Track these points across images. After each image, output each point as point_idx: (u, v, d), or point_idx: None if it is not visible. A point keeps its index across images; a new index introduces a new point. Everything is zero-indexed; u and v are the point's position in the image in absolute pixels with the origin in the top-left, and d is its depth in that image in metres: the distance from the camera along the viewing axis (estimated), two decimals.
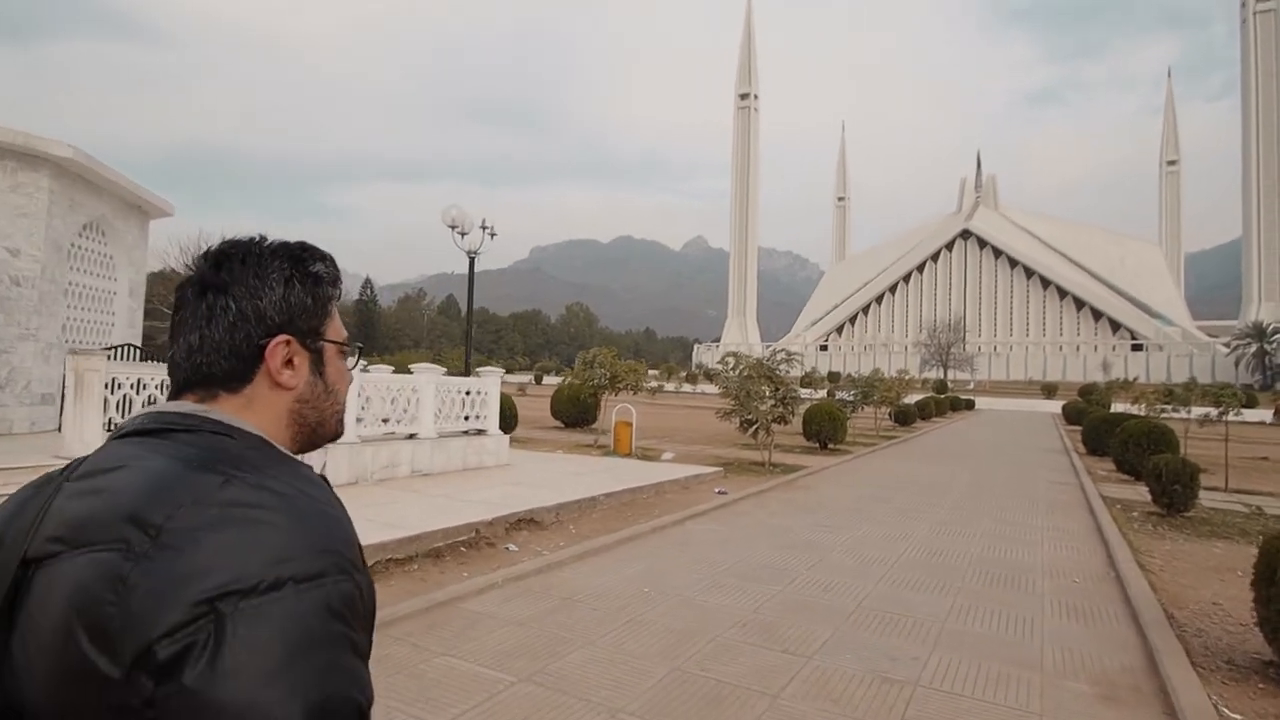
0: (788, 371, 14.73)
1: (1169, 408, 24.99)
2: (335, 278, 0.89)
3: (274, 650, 0.60)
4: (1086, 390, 56.28)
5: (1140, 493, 11.51)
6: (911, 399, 33.81)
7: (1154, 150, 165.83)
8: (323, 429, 0.87)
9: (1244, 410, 16.19)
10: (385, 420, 9.66)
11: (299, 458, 0.82)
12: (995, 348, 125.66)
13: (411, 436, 9.94)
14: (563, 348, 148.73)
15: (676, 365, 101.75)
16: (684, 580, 6.01)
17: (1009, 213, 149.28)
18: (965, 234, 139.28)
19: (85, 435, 6.40)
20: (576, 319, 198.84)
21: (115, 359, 8.40)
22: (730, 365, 14.93)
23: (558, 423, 20.80)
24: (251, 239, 0.85)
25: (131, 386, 6.95)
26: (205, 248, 0.86)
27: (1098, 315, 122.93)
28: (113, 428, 6.56)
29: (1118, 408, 32.72)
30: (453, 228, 12.28)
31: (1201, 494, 9.98)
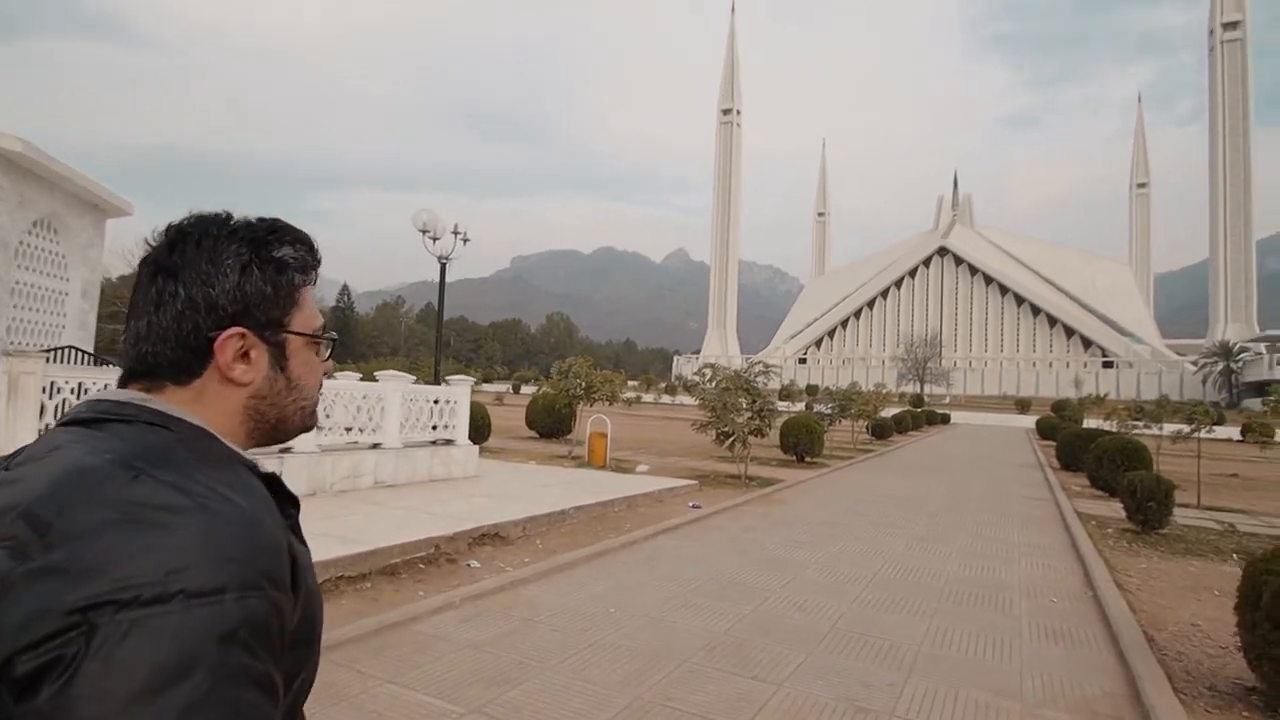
0: (766, 384, 14.58)
1: (1140, 424, 25.29)
2: (306, 263, 0.81)
3: (139, 674, 0.53)
4: (1059, 406, 56.98)
5: (1115, 509, 11.47)
6: (888, 412, 33.95)
7: (1125, 173, 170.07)
8: (285, 425, 0.81)
9: (1215, 427, 16.34)
10: (349, 429, 9.31)
11: (250, 454, 0.76)
12: (970, 363, 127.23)
13: (375, 446, 9.59)
14: (543, 357, 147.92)
15: (656, 376, 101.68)
16: (652, 599, 5.76)
17: (985, 231, 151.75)
18: (942, 251, 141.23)
19: (19, 441, 6.01)
20: (557, 329, 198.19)
21: (56, 361, 7.98)
22: (707, 377, 14.76)
23: (533, 433, 20.48)
24: (215, 216, 0.78)
25: (72, 391, 6.56)
26: (167, 223, 0.77)
27: (1070, 333, 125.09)
28: None
29: (1090, 423, 33.11)
30: (424, 232, 11.96)
31: (1175, 511, 9.95)
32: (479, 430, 15.05)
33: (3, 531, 0.59)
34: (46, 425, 6.34)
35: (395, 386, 10.01)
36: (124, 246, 37.34)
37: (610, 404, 17.05)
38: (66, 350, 8.68)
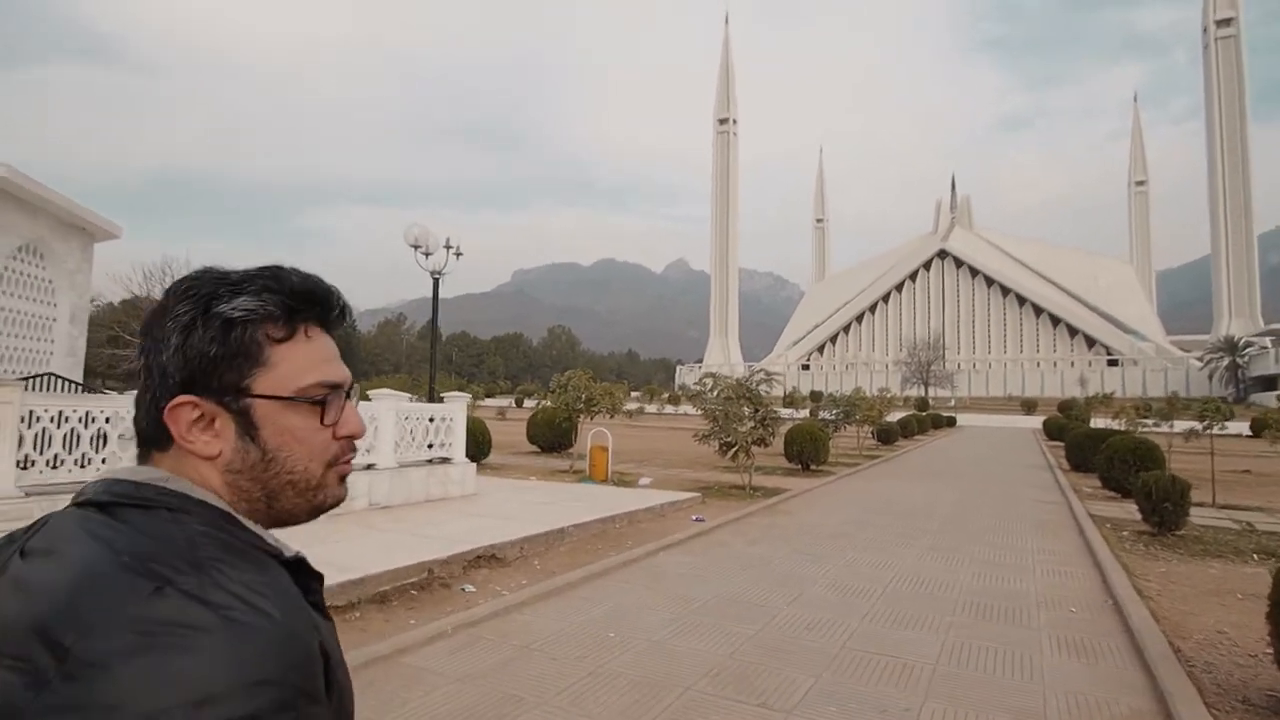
0: (769, 391, 14.36)
1: (1149, 422, 25.00)
2: (267, 314, 0.70)
3: None
4: (1066, 406, 56.66)
5: (1128, 510, 11.21)
6: (893, 417, 33.65)
7: (1123, 172, 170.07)
8: (278, 504, 0.72)
9: (1226, 424, 16.07)
10: None
11: (271, 536, 0.71)
12: (975, 365, 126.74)
13: (370, 467, 9.38)
14: (545, 371, 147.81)
15: (659, 387, 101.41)
16: (654, 621, 5.52)
17: (984, 233, 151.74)
18: (942, 254, 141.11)
19: None
20: (559, 342, 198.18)
21: (35, 389, 7.80)
22: (709, 386, 14.55)
23: (534, 448, 20.26)
24: (203, 272, 0.72)
25: (52, 420, 6.37)
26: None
27: (1073, 332, 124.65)
28: (28, 465, 5.94)
29: (1097, 423, 32.81)
30: (416, 247, 11.78)
31: (1191, 511, 9.69)
32: (479, 447, 14.84)
33: (15, 649, 0.55)
34: (25, 456, 6.16)
35: (389, 405, 9.81)
36: (120, 272, 37.30)
37: (611, 416, 16.83)
38: (46, 378, 8.50)
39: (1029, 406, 74.98)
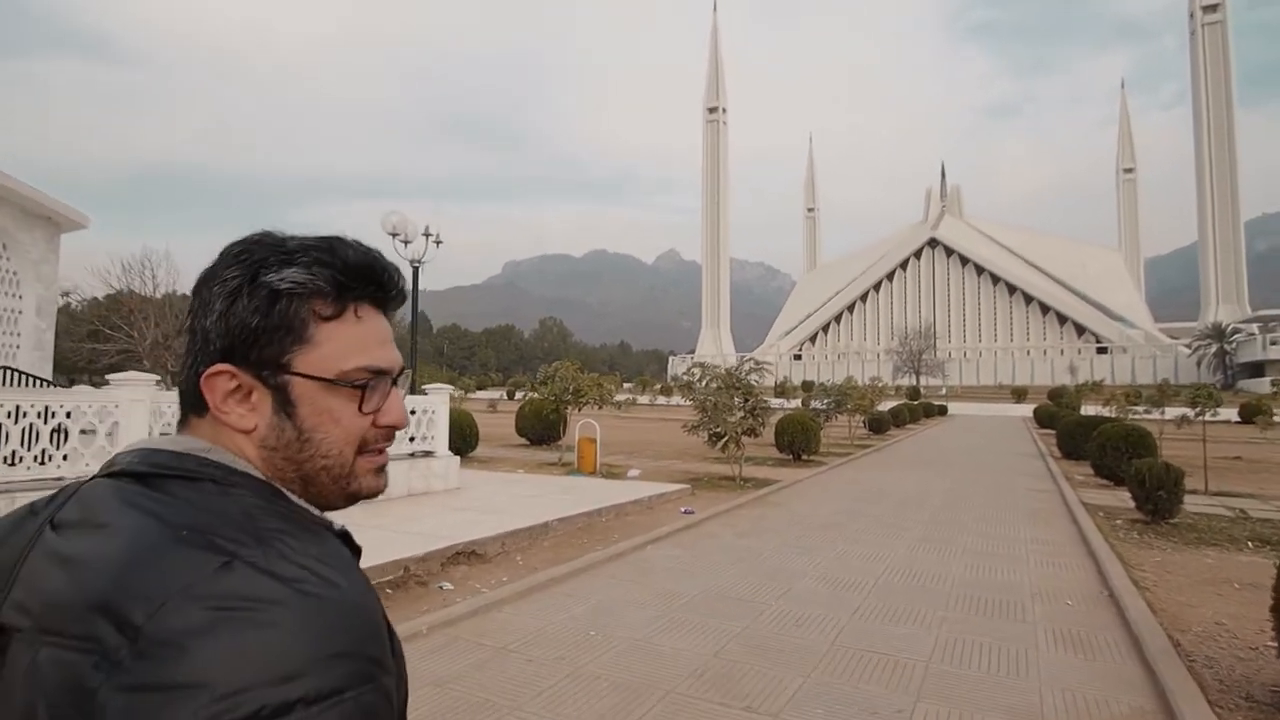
0: (759, 381, 14.17)
1: (1140, 409, 25.02)
2: (316, 289, 0.66)
3: None
4: (1056, 393, 56.75)
5: (1121, 498, 11.11)
6: (885, 406, 33.59)
7: (1112, 159, 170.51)
8: (313, 488, 0.68)
9: (1218, 410, 16.02)
10: None
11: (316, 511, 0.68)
12: (965, 353, 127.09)
13: None
14: (536, 363, 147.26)
15: (652, 378, 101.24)
16: (637, 619, 5.33)
17: (974, 221, 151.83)
18: (932, 243, 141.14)
19: None
20: (550, 333, 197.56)
21: None
22: (698, 376, 14.35)
23: (523, 440, 20.04)
24: (260, 236, 0.69)
25: (9, 415, 6.11)
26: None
27: (1063, 320, 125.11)
28: None
29: (1088, 410, 32.86)
30: (394, 235, 11.48)
31: (1184, 498, 9.58)
32: (466, 440, 14.59)
33: (76, 628, 0.52)
34: None
35: None
36: (99, 265, 36.69)
37: (600, 407, 16.60)
38: (4, 371, 8.19)
39: (1019, 394, 75.17)
